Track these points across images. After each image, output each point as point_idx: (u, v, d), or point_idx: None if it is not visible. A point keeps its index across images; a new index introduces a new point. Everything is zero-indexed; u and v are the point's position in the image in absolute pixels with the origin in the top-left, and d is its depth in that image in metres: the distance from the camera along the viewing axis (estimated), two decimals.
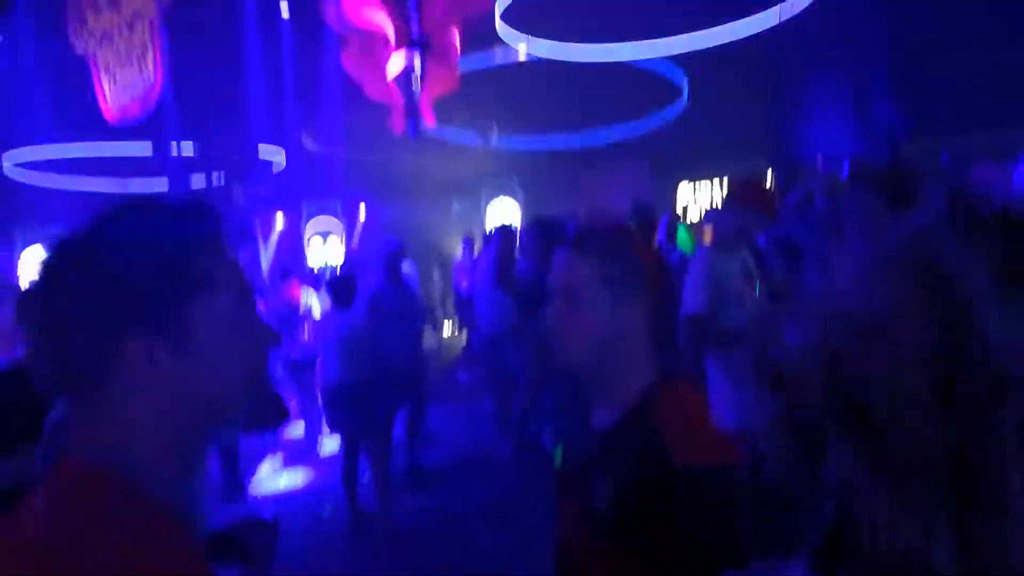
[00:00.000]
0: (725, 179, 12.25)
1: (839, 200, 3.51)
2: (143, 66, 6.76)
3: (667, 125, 11.51)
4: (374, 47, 7.51)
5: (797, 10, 7.94)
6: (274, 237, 12.25)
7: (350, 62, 7.88)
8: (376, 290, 5.61)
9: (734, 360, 3.33)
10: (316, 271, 11.74)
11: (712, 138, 11.26)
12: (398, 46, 6.76)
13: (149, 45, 6.56)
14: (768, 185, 3.82)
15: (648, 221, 5.82)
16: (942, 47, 8.44)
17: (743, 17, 8.29)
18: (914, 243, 0.74)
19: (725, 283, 3.44)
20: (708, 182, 13.31)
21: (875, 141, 8.64)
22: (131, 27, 6.64)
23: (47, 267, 0.89)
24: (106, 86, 7.41)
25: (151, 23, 6.50)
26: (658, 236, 6.10)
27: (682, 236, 7.25)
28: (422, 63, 7.29)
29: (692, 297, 3.45)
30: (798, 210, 4.63)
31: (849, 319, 0.72)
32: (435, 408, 6.59)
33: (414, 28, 6.90)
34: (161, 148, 11.49)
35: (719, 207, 3.99)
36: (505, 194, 14.53)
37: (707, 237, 7.60)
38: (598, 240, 1.45)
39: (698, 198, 13.42)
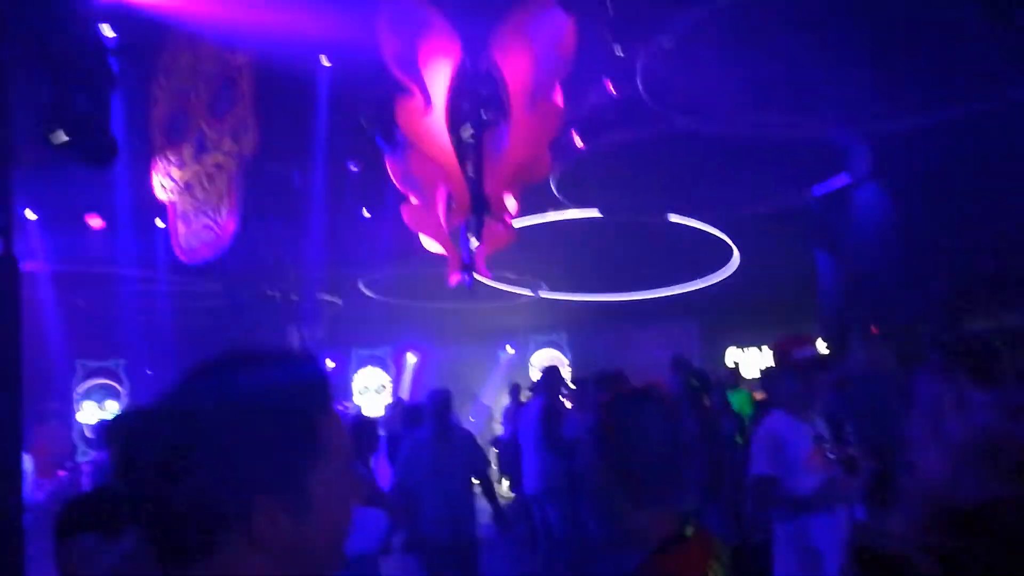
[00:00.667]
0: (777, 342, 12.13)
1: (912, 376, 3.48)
2: (218, 216, 7.11)
3: (718, 287, 11.59)
4: (434, 203, 7.80)
5: (839, 185, 8.16)
6: None
7: (410, 215, 8.15)
8: (418, 440, 5.53)
9: (800, 527, 3.29)
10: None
11: (762, 302, 11.29)
12: (458, 204, 7.02)
13: (225, 196, 6.94)
14: (822, 350, 3.80)
15: (701, 382, 5.76)
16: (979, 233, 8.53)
17: (792, 188, 8.52)
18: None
19: (791, 447, 3.40)
20: (756, 348, 13.21)
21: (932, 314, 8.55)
22: (211, 179, 7.04)
23: (173, 426, 0.88)
24: (180, 230, 7.77)
25: (230, 175, 6.90)
26: (712, 399, 6.01)
27: (739, 399, 7.12)
28: (479, 221, 7.52)
29: (757, 459, 3.44)
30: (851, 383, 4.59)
31: (956, 511, 0.68)
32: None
33: (474, 188, 7.17)
34: (227, 287, 11.96)
35: (776, 370, 3.97)
36: (552, 346, 14.58)
37: (758, 397, 7.48)
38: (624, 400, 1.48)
39: (750, 360, 13.28)
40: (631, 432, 2.10)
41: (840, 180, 8.41)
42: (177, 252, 7.95)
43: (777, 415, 3.68)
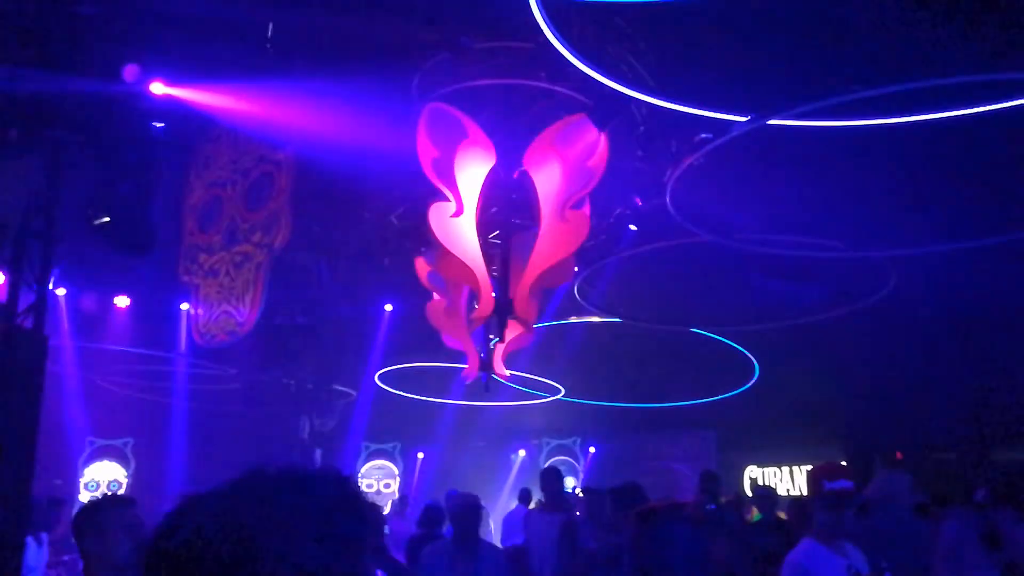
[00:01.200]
0: (808, 467, 11.92)
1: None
2: (240, 304, 7.17)
3: (737, 401, 11.44)
4: (458, 301, 7.84)
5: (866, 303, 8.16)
6: None
7: (433, 312, 8.19)
8: (438, 548, 5.32)
9: None
10: None
11: (782, 419, 11.11)
12: (481, 304, 7.05)
13: (251, 286, 7.01)
14: (854, 476, 3.69)
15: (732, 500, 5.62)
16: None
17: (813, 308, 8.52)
18: None
19: None
20: (776, 467, 12.92)
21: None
22: (238, 267, 7.14)
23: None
24: (201, 314, 7.82)
25: (258, 266, 6.98)
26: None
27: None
28: (501, 321, 7.53)
29: None
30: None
31: None
32: None
33: (498, 290, 7.22)
34: (242, 372, 11.96)
35: (808, 497, 3.86)
36: (565, 453, 14.32)
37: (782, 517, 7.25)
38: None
39: (773, 482, 12.93)
40: (663, 550, 2.06)
41: (866, 299, 8.39)
42: (195, 335, 7.99)
43: (807, 544, 3.57)
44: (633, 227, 8.40)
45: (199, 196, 7.45)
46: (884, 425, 10.77)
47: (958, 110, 4.84)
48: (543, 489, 7.34)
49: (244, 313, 7.46)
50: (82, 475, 13.65)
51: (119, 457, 13.93)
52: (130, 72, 4.42)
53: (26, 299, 4.10)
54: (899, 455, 9.05)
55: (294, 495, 0.95)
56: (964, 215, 6.58)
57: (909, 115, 5.03)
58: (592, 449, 14.24)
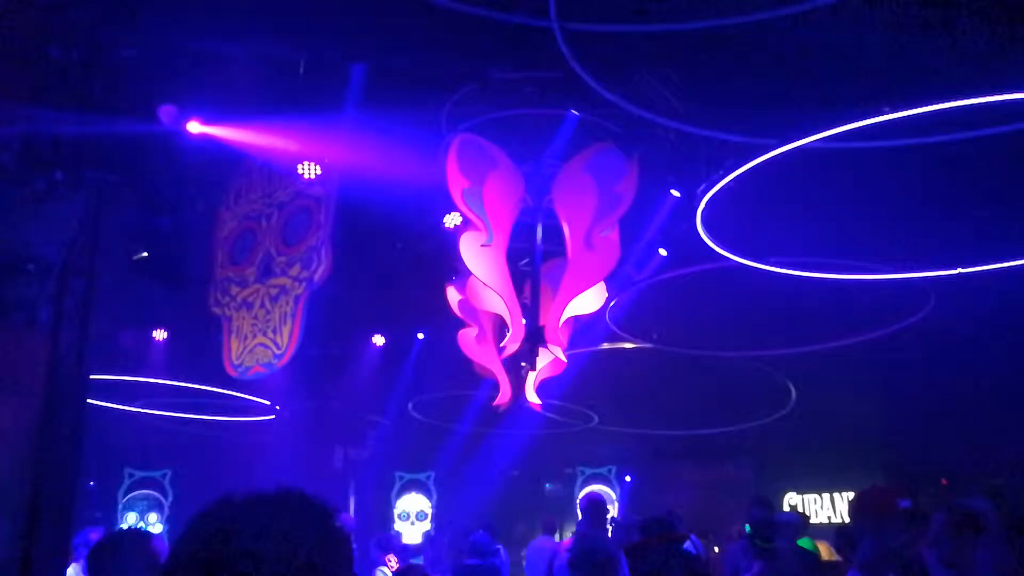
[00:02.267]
0: (849, 493, 11.71)
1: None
2: (278, 336, 7.25)
3: (774, 427, 11.26)
4: (490, 330, 7.86)
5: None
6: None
7: (465, 341, 8.22)
8: None
9: None
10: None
11: (820, 445, 10.91)
12: (512, 333, 7.06)
13: (290, 319, 7.08)
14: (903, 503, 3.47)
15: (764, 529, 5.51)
16: None
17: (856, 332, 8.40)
18: None
19: None
20: (816, 494, 12.66)
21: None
22: (274, 300, 7.22)
23: None
24: (234, 346, 7.89)
25: (296, 299, 7.06)
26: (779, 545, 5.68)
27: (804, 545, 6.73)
28: (533, 350, 7.53)
29: None
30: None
31: None
32: None
33: (530, 318, 7.23)
34: (276, 402, 12.06)
35: (858, 524, 3.63)
36: (600, 482, 14.18)
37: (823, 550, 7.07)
38: None
39: (814, 509, 12.67)
40: None
41: (905, 321, 8.26)
42: (228, 367, 8.05)
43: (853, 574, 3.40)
44: (663, 251, 8.37)
45: (230, 229, 7.57)
46: (929, 450, 10.53)
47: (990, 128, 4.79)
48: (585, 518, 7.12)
49: (283, 345, 7.54)
50: (121, 507, 13.82)
51: (158, 488, 14.08)
52: (166, 113, 4.56)
53: (68, 336, 4.21)
54: (944, 482, 8.82)
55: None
56: (1001, 229, 6.46)
57: (937, 135, 4.98)
58: (628, 478, 14.09)
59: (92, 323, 4.12)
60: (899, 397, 10.36)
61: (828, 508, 12.42)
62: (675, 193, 7.52)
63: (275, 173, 7.25)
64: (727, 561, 7.47)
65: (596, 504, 7.26)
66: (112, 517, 13.41)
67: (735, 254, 7.53)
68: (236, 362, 7.91)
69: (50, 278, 3.76)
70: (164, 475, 14.02)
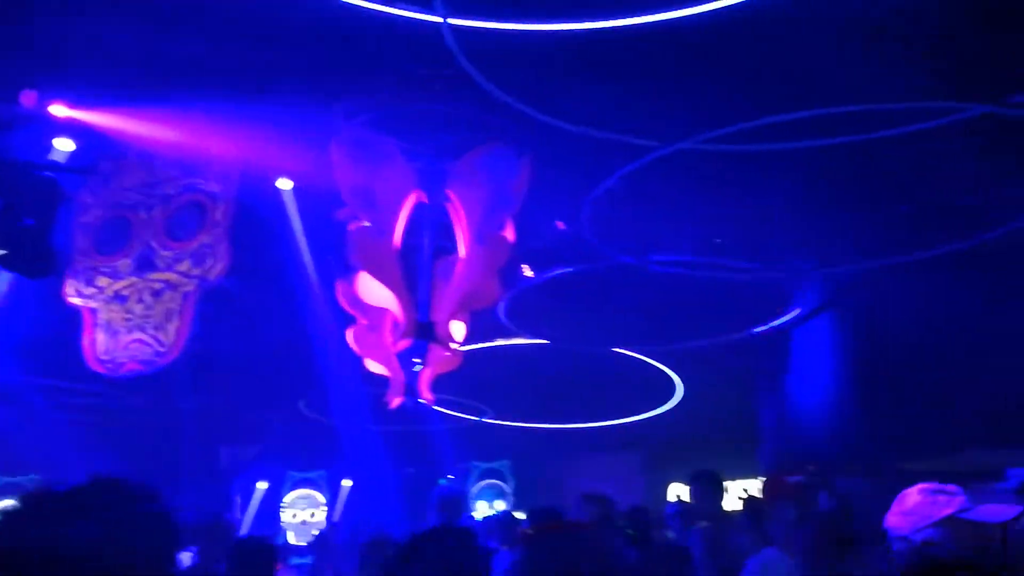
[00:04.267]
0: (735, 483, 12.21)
1: None
2: (161, 333, 6.96)
3: (661, 420, 11.62)
4: (380, 325, 7.77)
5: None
6: (254, 503, 11.83)
7: (355, 336, 8.10)
8: None
9: None
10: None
11: (705, 436, 11.32)
12: (404, 328, 7.00)
13: (177, 317, 6.82)
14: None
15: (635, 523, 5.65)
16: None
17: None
18: None
19: None
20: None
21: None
22: (157, 295, 6.93)
23: None
24: (100, 340, 7.50)
25: (186, 296, 6.82)
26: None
27: None
28: (425, 346, 7.50)
29: None
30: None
31: None
32: None
33: (422, 313, 7.19)
34: (157, 400, 11.55)
35: (767, 503, 3.89)
36: (495, 477, 14.28)
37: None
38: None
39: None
40: (548, 571, 2.04)
41: (786, 317, 8.67)
42: (92, 361, 7.62)
43: (770, 553, 3.56)
44: (562, 225, 8.37)
45: (95, 215, 7.17)
46: (801, 442, 11.09)
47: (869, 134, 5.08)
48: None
49: (168, 342, 7.25)
50: None
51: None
52: (28, 98, 4.28)
53: None
54: (812, 467, 9.30)
55: None
56: (877, 232, 6.87)
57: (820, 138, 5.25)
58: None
59: None
60: (782, 389, 10.87)
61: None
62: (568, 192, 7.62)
63: (156, 165, 6.94)
64: None
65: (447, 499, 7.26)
66: None
67: (623, 252, 7.72)
68: (104, 357, 7.51)
69: None
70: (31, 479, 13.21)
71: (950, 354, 8.57)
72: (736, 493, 12.87)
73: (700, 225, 7.39)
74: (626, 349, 10.36)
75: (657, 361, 10.63)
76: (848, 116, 5.53)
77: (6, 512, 1.08)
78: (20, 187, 4.32)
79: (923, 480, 2.15)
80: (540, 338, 9.93)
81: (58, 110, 4.78)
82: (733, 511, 5.92)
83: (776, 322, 8.61)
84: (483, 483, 14.26)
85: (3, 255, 4.60)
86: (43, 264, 4.88)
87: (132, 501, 1.12)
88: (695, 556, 4.24)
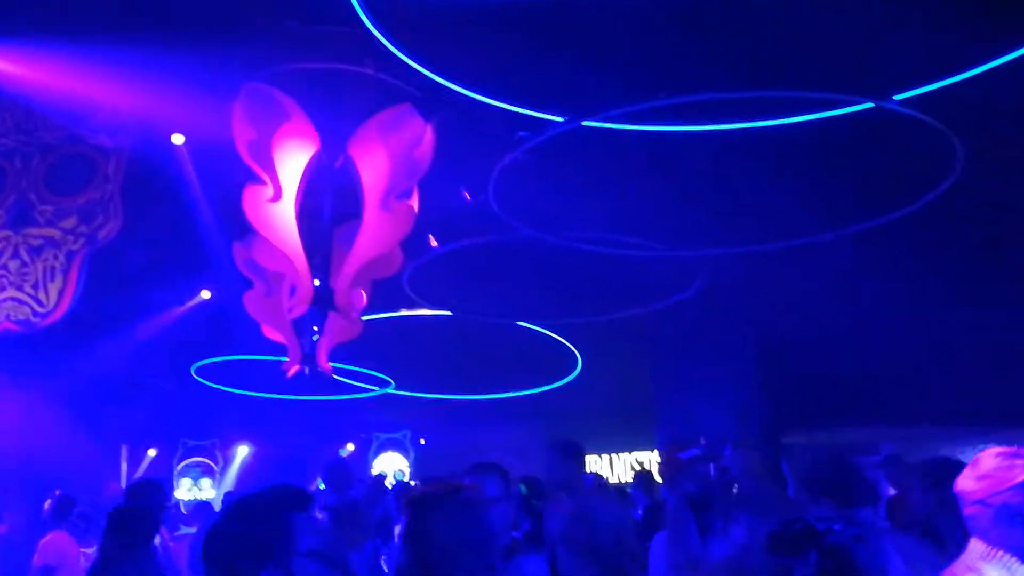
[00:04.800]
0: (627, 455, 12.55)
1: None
2: (40, 294, 6.61)
3: (563, 392, 11.80)
4: (278, 291, 7.58)
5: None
6: (142, 470, 11.42)
7: (252, 302, 7.88)
8: None
9: None
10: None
11: (605, 409, 11.57)
12: (301, 295, 6.84)
13: (60, 275, 6.48)
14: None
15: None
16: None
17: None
18: None
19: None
20: (598, 456, 13.44)
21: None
22: (36, 252, 6.57)
23: None
24: None
25: (71, 255, 6.50)
26: None
27: None
28: (323, 313, 7.36)
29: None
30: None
31: None
32: None
33: (320, 279, 7.05)
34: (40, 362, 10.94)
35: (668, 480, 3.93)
36: (396, 447, 14.24)
37: None
38: None
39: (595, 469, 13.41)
40: (434, 532, 2.04)
41: (679, 295, 8.89)
42: None
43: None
44: (469, 196, 8.33)
45: None
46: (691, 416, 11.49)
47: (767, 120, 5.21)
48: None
49: (51, 303, 6.90)
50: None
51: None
52: None
53: None
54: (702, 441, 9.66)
55: None
56: (780, 217, 7.08)
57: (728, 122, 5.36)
58: (422, 441, 14.24)
59: None
60: (674, 365, 11.19)
61: (607, 470, 13.23)
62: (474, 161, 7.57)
63: (35, 111, 6.52)
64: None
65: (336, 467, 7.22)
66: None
67: (528, 225, 7.74)
68: None
69: None
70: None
71: (834, 333, 9.01)
72: (630, 464, 13.29)
73: (606, 200, 7.48)
74: (529, 323, 10.43)
75: (559, 335, 10.76)
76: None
77: None
78: None
79: (803, 452, 2.20)
80: (443, 309, 9.88)
81: None
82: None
83: (673, 299, 8.82)
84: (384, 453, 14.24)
85: None
86: None
87: None
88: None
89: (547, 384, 11.89)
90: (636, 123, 5.58)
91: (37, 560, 5.44)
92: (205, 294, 10.41)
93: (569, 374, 11.69)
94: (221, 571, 1.82)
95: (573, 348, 11.12)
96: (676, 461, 3.76)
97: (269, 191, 6.22)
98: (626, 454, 13.30)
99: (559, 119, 5.80)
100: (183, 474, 13.22)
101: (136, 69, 5.88)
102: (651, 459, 12.79)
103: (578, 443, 4.68)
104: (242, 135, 6.04)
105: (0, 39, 5.02)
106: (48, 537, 5.63)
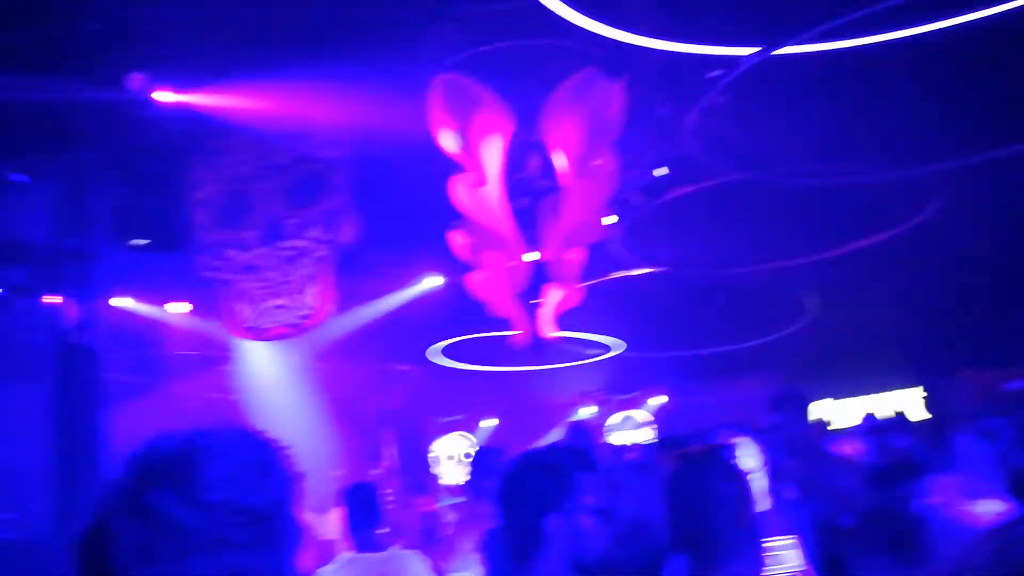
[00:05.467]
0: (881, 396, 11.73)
1: None
2: (302, 298, 7.37)
3: (797, 341, 11.25)
4: (497, 271, 7.92)
5: None
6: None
7: (476, 282, 8.29)
8: None
9: None
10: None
11: (847, 354, 10.91)
12: (520, 271, 7.10)
13: (315, 281, 7.21)
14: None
15: None
16: None
17: None
18: None
19: None
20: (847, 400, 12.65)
21: None
22: (291, 262, 7.32)
23: None
24: (242, 309, 7.93)
25: (319, 260, 7.18)
26: None
27: None
28: (545, 283, 7.60)
29: None
30: None
31: None
32: None
33: (538, 251, 7.27)
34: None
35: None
36: (630, 408, 14.35)
37: None
38: None
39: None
40: (698, 495, 2.12)
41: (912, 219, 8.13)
42: (234, 329, 8.11)
43: None
44: (664, 171, 8.24)
45: (208, 192, 7.56)
46: (959, 347, 10.47)
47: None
48: None
49: (312, 305, 7.64)
50: None
51: None
52: (135, 81, 4.58)
53: (71, 317, 4.36)
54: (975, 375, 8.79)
55: None
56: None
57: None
58: (657, 402, 14.25)
59: (93, 303, 4.26)
60: (925, 295, 10.25)
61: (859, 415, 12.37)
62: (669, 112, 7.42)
63: (262, 137, 7.28)
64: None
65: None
66: None
67: (734, 168, 7.46)
68: (251, 324, 8.01)
69: (45, 263, 3.89)
70: None
71: None
72: (890, 405, 12.30)
73: (812, 132, 7.01)
74: (749, 268, 10.02)
75: (781, 278, 10.25)
76: None
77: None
78: (137, 170, 4.66)
79: None
80: (658, 266, 9.79)
81: (162, 96, 5.09)
82: None
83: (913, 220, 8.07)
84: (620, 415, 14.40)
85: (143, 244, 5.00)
86: (175, 241, 5.26)
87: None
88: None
89: (781, 330, 11.40)
90: (829, 40, 5.18)
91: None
92: (434, 281, 11.08)
93: (798, 319, 11.13)
94: (509, 515, 2.08)
95: (802, 291, 10.57)
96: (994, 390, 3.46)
97: (473, 178, 6.51)
98: (878, 395, 12.40)
99: (750, 49, 5.54)
100: (439, 450, 14.30)
101: (340, 83, 6.36)
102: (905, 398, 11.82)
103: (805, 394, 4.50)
104: (441, 128, 6.37)
105: (225, 80, 5.65)
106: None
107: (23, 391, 3.73)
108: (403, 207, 8.98)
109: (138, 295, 8.47)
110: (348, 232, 7.63)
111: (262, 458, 1.08)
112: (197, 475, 1.00)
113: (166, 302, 9.56)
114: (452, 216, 8.13)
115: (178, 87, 5.15)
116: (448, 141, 6.40)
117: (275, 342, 8.69)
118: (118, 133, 4.68)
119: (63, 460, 3.97)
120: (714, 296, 10.84)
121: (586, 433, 7.17)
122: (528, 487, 2.07)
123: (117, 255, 5.49)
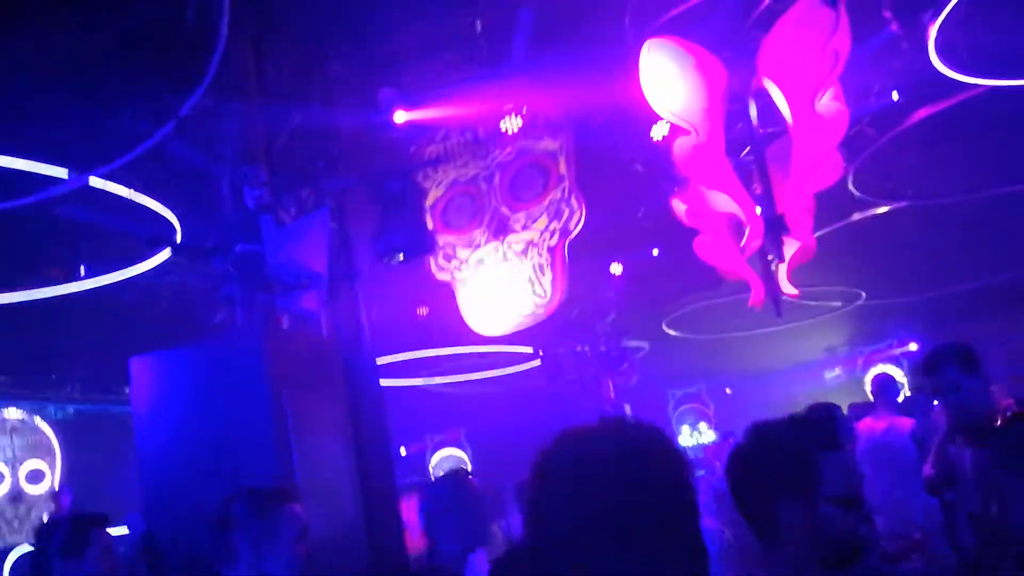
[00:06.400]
0: None
1: None
2: (537, 288, 7.53)
3: None
4: (726, 232, 7.63)
5: None
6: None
7: (703, 248, 8.05)
8: None
9: None
10: None
11: None
12: (752, 228, 6.78)
13: (548, 270, 7.35)
14: None
15: None
16: None
17: None
18: None
19: None
20: None
21: None
22: (522, 254, 7.49)
23: None
24: (475, 306, 8.16)
25: (551, 250, 7.30)
26: None
27: None
28: (777, 240, 7.20)
29: None
30: None
31: None
32: None
33: (764, 208, 6.90)
34: (537, 347, 12.62)
35: None
36: (889, 361, 13.34)
37: None
38: None
39: None
40: None
41: None
42: (476, 326, 8.34)
43: None
44: (895, 95, 7.53)
45: (435, 198, 7.86)
46: None
47: None
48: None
49: (546, 296, 7.80)
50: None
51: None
52: (386, 97, 4.86)
53: (349, 336, 4.72)
54: None
55: None
56: None
57: None
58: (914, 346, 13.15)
59: (366, 320, 4.59)
60: None
61: None
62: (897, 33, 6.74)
63: (480, 138, 7.48)
64: None
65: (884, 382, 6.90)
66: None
67: (981, 78, 6.64)
68: (481, 321, 8.25)
69: (324, 288, 4.23)
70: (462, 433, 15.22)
71: None
72: None
73: None
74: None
75: None
76: None
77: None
78: (393, 197, 4.95)
79: None
80: (899, 201, 8.99)
81: (400, 116, 5.35)
82: None
83: None
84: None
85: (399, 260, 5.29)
86: (423, 250, 5.53)
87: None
88: None
89: None
90: None
91: None
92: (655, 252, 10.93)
93: None
94: (743, 495, 1.85)
95: None
96: None
97: (694, 137, 6.28)
98: None
99: None
100: (680, 421, 14.11)
101: (542, 72, 6.38)
102: None
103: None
104: (653, 92, 6.18)
105: (447, 89, 5.85)
106: None
107: (322, 406, 4.05)
108: (625, 182, 8.90)
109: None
110: (577, 218, 7.68)
111: None
112: None
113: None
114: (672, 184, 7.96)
115: (409, 104, 5.42)
116: (663, 105, 6.21)
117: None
118: (367, 155, 5.01)
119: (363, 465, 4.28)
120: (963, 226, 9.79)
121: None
122: (762, 468, 1.80)
123: (375, 273, 5.87)
